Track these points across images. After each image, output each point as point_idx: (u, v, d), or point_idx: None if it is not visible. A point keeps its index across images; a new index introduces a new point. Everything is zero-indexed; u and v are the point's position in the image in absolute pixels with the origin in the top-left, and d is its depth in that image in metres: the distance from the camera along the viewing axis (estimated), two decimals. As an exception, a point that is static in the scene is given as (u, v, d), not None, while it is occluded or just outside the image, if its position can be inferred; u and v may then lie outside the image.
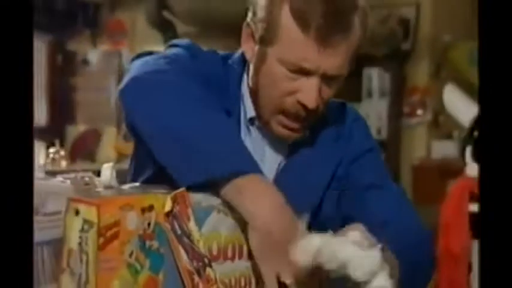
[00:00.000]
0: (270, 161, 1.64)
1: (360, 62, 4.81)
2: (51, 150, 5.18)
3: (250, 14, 1.55)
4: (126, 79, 1.47)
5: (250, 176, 1.31)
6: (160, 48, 5.26)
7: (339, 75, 1.52)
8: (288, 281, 1.27)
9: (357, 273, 1.21)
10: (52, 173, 1.44)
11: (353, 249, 1.22)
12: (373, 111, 4.65)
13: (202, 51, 1.66)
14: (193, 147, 1.32)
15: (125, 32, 5.94)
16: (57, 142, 5.59)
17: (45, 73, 6.07)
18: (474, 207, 3.37)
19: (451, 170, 3.93)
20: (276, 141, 1.64)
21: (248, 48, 1.57)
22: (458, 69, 4.59)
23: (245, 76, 1.63)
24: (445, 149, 4.65)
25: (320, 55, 1.47)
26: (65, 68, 6.08)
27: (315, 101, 1.50)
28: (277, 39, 1.50)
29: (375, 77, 4.82)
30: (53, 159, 4.98)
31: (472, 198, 3.41)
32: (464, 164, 3.53)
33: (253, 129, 1.63)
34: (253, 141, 1.63)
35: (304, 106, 1.51)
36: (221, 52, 1.70)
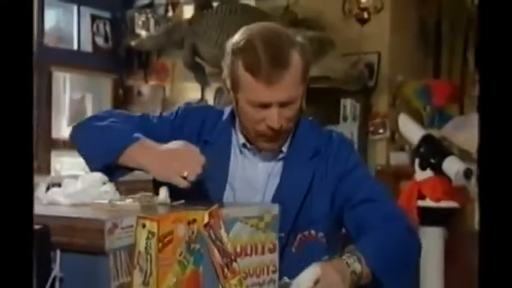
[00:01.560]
0: (261, 173, 1.61)
1: (337, 95, 4.79)
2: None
3: (224, 71, 1.56)
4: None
5: (136, 143, 1.48)
6: (192, 83, 5.26)
7: (293, 99, 1.51)
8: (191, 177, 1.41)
9: None
10: (117, 183, 1.46)
11: None
12: (347, 130, 4.63)
13: (196, 106, 1.82)
14: (100, 146, 1.51)
15: (168, 72, 5.91)
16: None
17: (110, 101, 6.07)
18: (420, 202, 3.36)
19: (404, 174, 3.91)
20: (263, 159, 1.62)
21: (229, 94, 1.59)
22: (407, 100, 4.58)
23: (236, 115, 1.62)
24: (399, 159, 4.61)
25: (270, 91, 1.46)
26: (124, 98, 6.05)
27: (278, 123, 1.50)
28: (240, 87, 1.51)
29: (348, 106, 4.79)
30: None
31: (419, 196, 3.39)
32: (414, 170, 3.50)
33: (245, 151, 1.63)
34: (247, 159, 1.63)
35: (271, 128, 1.51)
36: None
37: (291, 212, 1.54)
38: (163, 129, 1.64)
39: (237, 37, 1.52)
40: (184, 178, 1.41)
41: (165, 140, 1.53)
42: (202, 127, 1.65)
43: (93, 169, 1.48)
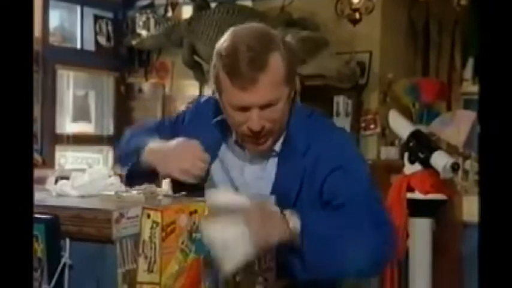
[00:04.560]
0: (252, 173, 1.56)
1: (330, 92, 4.78)
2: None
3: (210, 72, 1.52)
4: None
5: (147, 146, 1.60)
6: (191, 80, 5.26)
7: (273, 101, 1.44)
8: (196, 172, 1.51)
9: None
10: (120, 175, 1.48)
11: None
12: (340, 126, 4.66)
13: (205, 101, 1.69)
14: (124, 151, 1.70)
15: (167, 70, 5.89)
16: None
17: (112, 98, 6.06)
18: (410, 195, 3.37)
19: (394, 168, 3.90)
20: (254, 158, 1.57)
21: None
22: (397, 97, 4.59)
23: None
24: (389, 153, 4.61)
25: (247, 95, 1.41)
26: (126, 95, 6.05)
27: (258, 126, 1.44)
28: (221, 89, 1.46)
29: (341, 103, 4.78)
30: (122, 163, 4.99)
31: (408, 188, 3.40)
32: (403, 164, 3.51)
33: (237, 148, 1.58)
34: (238, 156, 1.58)
35: (253, 131, 1.46)
36: None
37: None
38: (179, 125, 1.71)
39: (222, 39, 1.47)
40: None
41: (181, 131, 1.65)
42: (206, 119, 1.63)
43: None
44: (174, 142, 1.55)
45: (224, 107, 1.50)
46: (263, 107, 1.43)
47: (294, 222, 1.30)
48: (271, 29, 1.50)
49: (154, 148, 1.58)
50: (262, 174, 1.55)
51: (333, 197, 1.45)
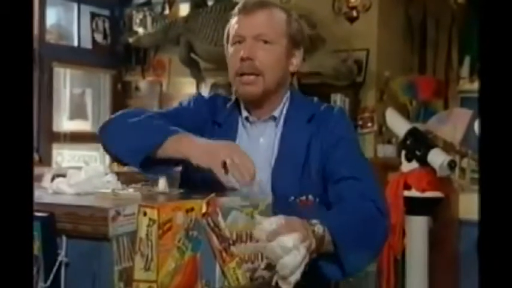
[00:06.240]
0: (264, 144, 1.60)
1: (327, 90, 4.77)
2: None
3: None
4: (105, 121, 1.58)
5: (176, 135, 1.42)
6: (187, 78, 5.26)
7: (267, 37, 1.54)
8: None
9: (281, 272, 1.20)
10: (117, 173, 1.46)
11: (282, 252, 1.19)
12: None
13: (208, 95, 1.75)
14: (139, 140, 1.43)
15: (164, 68, 5.90)
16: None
17: (109, 96, 6.06)
18: (406, 193, 3.37)
19: (391, 166, 3.90)
20: (265, 129, 1.61)
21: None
22: (394, 95, 4.59)
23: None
24: (386, 151, 4.62)
25: (245, 22, 1.55)
26: (123, 93, 6.05)
27: (247, 52, 1.52)
28: (229, 33, 1.59)
29: (338, 101, 4.78)
30: (119, 162, 4.98)
31: (405, 186, 3.40)
32: (400, 162, 3.51)
33: (248, 125, 1.62)
34: (250, 133, 1.63)
35: (241, 58, 1.52)
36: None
37: (292, 177, 1.53)
38: (185, 117, 1.62)
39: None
40: (225, 168, 1.37)
41: (188, 125, 1.52)
42: (214, 111, 1.66)
43: (130, 165, 1.44)
44: (218, 141, 1.44)
45: (228, 53, 1.59)
46: (257, 38, 1.54)
47: (318, 227, 1.32)
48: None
49: (190, 138, 1.43)
50: (270, 141, 1.61)
51: (335, 171, 1.52)
